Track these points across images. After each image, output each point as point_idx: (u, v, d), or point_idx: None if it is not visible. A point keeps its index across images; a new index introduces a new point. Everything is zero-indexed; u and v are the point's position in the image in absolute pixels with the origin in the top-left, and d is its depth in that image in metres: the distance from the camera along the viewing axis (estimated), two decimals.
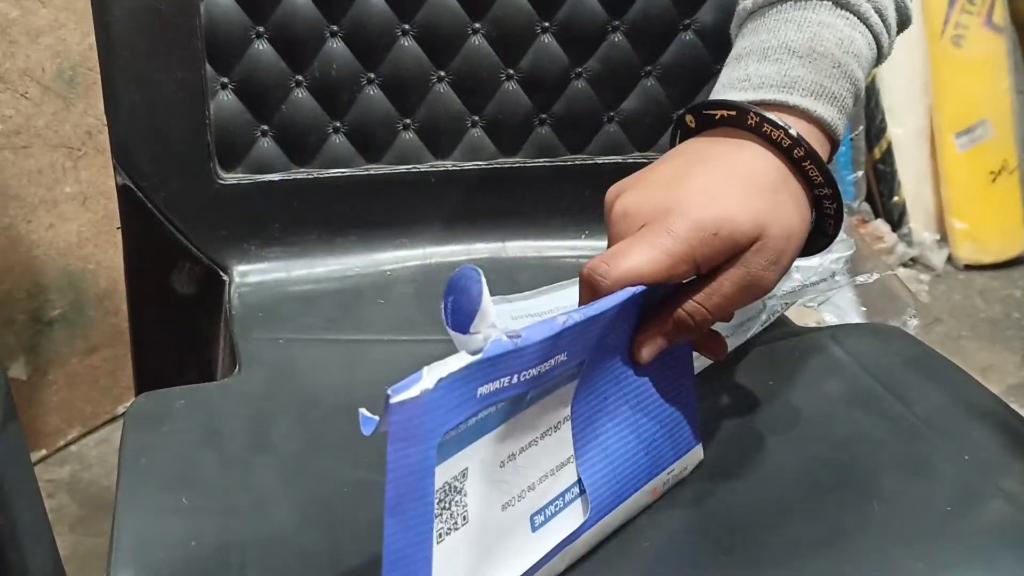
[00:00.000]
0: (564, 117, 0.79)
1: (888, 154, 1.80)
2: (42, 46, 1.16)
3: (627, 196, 0.52)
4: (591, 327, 0.46)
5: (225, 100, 0.73)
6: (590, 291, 0.48)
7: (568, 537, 0.48)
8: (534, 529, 0.47)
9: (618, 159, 0.80)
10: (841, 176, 1.78)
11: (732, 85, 0.55)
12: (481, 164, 0.79)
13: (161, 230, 0.74)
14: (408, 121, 0.77)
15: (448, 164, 0.79)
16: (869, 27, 0.55)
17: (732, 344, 0.67)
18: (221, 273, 0.76)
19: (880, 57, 0.57)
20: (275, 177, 0.76)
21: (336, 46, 0.74)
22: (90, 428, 1.35)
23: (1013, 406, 0.63)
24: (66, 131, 1.21)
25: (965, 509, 0.54)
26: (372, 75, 0.75)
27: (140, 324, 0.83)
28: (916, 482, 0.56)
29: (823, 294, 0.70)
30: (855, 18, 0.54)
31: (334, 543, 0.52)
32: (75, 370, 1.31)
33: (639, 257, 0.48)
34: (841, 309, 1.06)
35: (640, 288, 0.48)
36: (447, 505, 0.42)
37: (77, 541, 1.18)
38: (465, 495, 0.43)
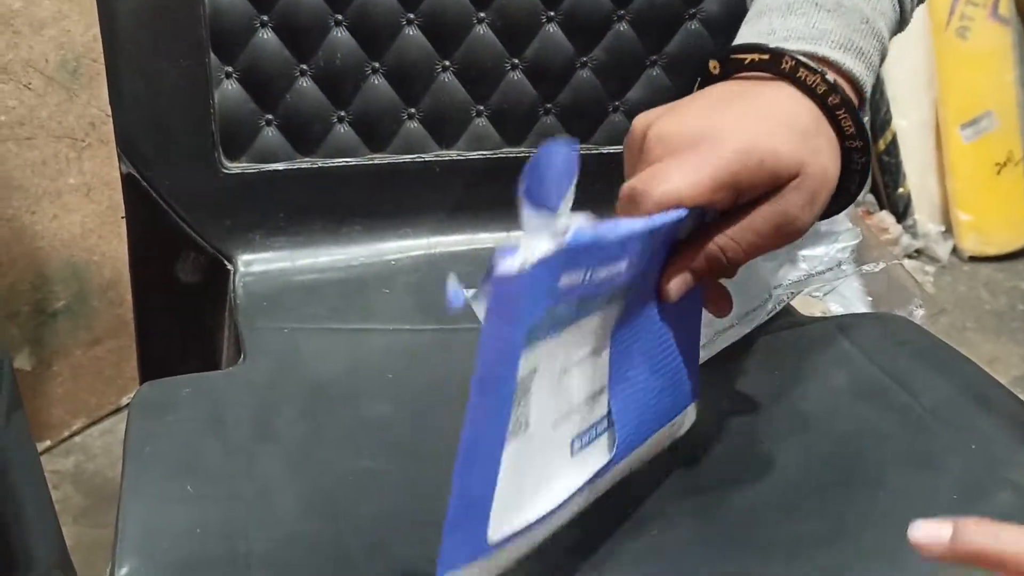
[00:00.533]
0: (569, 107, 0.78)
1: (893, 145, 1.79)
2: (46, 37, 1.16)
3: (663, 122, 0.49)
4: (645, 243, 0.44)
5: (229, 89, 0.73)
6: (630, 209, 0.47)
7: (599, 471, 0.46)
8: (573, 454, 0.46)
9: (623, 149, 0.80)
10: None
11: (757, 37, 0.53)
12: (486, 154, 0.79)
13: (166, 219, 0.74)
14: (413, 111, 0.77)
15: (453, 154, 0.78)
16: None
17: (738, 333, 0.67)
18: (225, 262, 0.76)
19: (902, 23, 0.55)
20: (279, 166, 0.75)
21: (341, 35, 0.73)
22: (94, 419, 1.35)
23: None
24: (70, 122, 1.21)
25: (972, 500, 0.53)
26: (377, 64, 0.75)
27: (144, 313, 0.83)
28: (923, 473, 0.56)
29: (829, 284, 0.70)
30: None
31: (338, 531, 0.52)
32: (79, 361, 1.31)
33: (682, 178, 0.46)
34: (847, 299, 1.06)
35: (684, 211, 0.46)
36: (519, 402, 0.41)
37: (81, 532, 1.18)
38: (531, 397, 0.41)
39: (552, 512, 0.44)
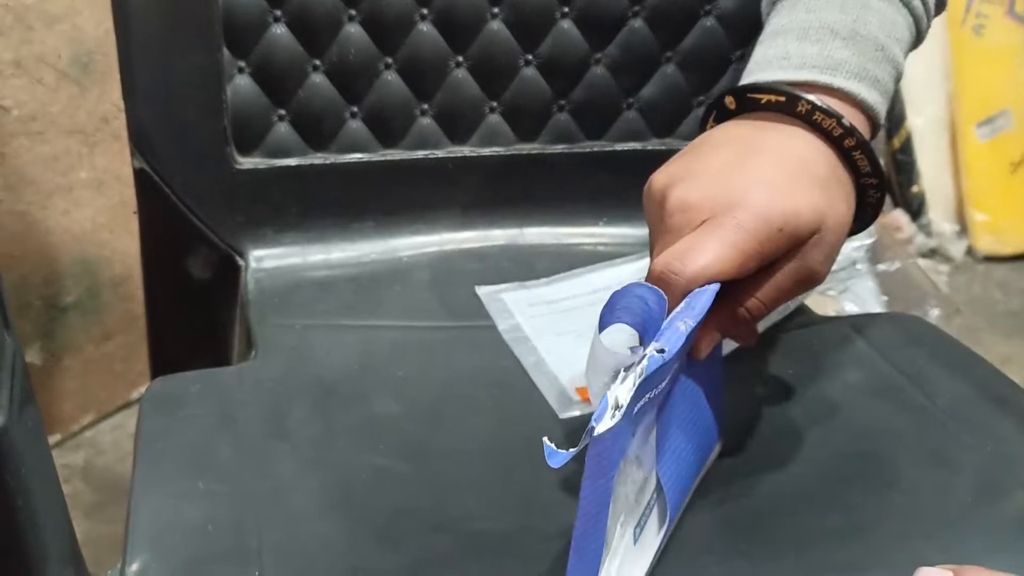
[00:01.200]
0: (583, 103, 0.78)
1: (907, 144, 1.78)
2: (58, 32, 1.16)
3: (684, 188, 0.50)
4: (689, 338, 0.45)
5: (242, 84, 0.73)
6: (662, 289, 0.46)
7: (659, 545, 0.48)
8: (635, 542, 0.47)
9: (637, 146, 0.80)
10: None
11: (770, 63, 0.53)
12: (499, 150, 0.78)
13: (177, 214, 0.74)
14: (426, 106, 0.77)
15: (466, 150, 0.78)
16: (911, 10, 0.54)
17: None
18: (237, 258, 0.76)
19: (918, 40, 0.56)
20: (292, 162, 0.75)
21: (354, 30, 0.73)
22: (104, 414, 1.36)
23: None
24: (81, 117, 1.21)
25: (987, 500, 0.53)
26: (390, 60, 0.75)
27: (156, 309, 0.83)
28: (938, 473, 0.55)
29: (844, 283, 0.70)
30: (898, 0, 0.53)
31: (350, 528, 0.51)
32: (90, 356, 1.32)
33: (711, 254, 0.47)
34: (862, 299, 1.06)
35: (717, 286, 0.47)
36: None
37: (91, 527, 1.18)
38: (610, 519, 0.43)
39: None
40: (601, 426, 0.37)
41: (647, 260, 0.77)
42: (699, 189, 0.49)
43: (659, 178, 0.51)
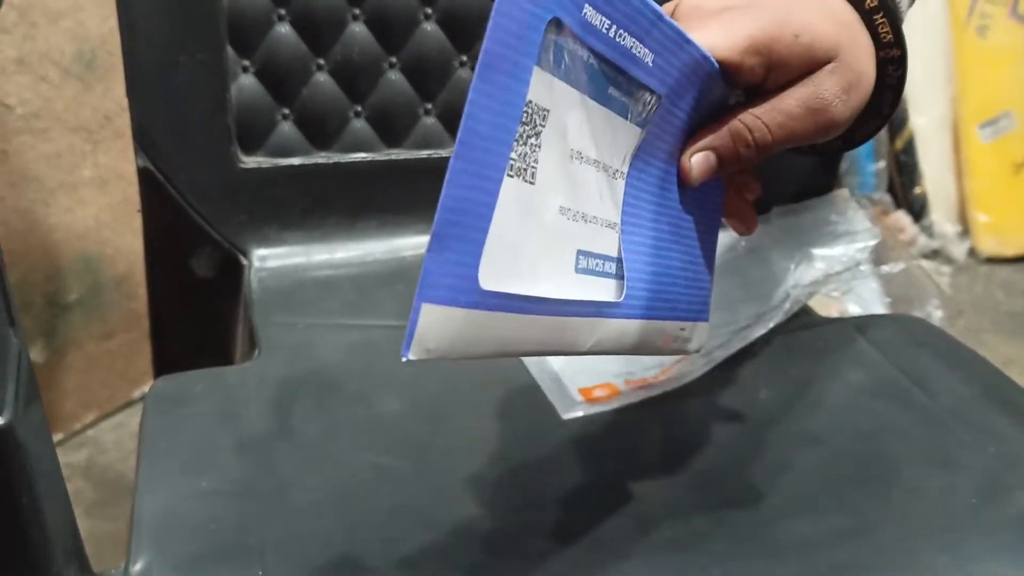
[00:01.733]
0: None
1: (910, 144, 1.78)
2: (61, 29, 1.16)
3: None
4: (672, 60, 0.42)
5: (246, 83, 0.73)
6: None
7: (602, 305, 0.42)
8: (576, 269, 0.41)
9: None
10: (862, 166, 1.77)
11: None
12: None
13: (181, 213, 0.74)
14: (429, 106, 0.77)
15: None
16: None
17: (755, 333, 0.66)
18: (240, 257, 0.76)
19: None
20: (295, 161, 0.75)
21: (358, 30, 0.73)
22: (106, 412, 1.36)
23: None
24: (85, 115, 1.21)
25: (990, 501, 0.53)
26: (394, 59, 0.75)
27: (159, 308, 0.83)
28: (941, 474, 0.55)
29: (847, 284, 0.70)
30: None
31: (352, 527, 0.52)
32: (92, 354, 1.32)
33: (716, 32, 0.44)
34: (865, 300, 1.06)
35: (716, 66, 0.43)
36: (525, 136, 0.36)
37: (94, 525, 1.18)
38: (539, 147, 0.37)
39: (547, 305, 0.39)
40: None
41: None
42: None
43: None
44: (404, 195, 0.78)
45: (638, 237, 0.45)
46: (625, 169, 0.44)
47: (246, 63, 0.73)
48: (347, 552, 0.50)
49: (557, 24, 0.36)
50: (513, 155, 0.36)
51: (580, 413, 0.61)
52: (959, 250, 1.79)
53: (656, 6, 0.41)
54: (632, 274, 0.44)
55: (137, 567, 0.48)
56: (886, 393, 0.62)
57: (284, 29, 0.72)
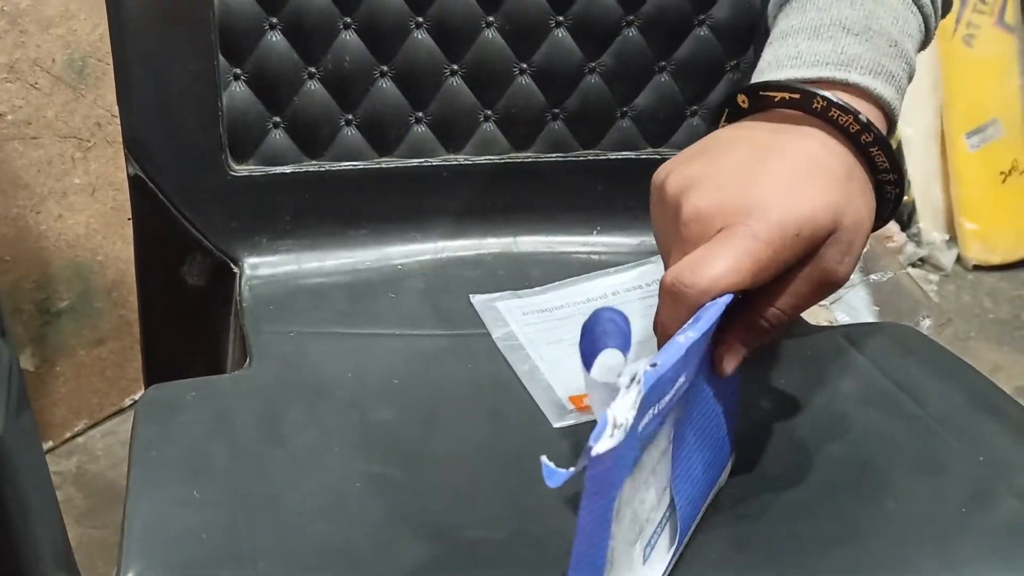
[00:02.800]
0: (577, 112, 0.78)
1: (898, 153, 1.79)
2: (53, 36, 1.16)
3: (698, 195, 0.48)
4: (699, 344, 0.44)
5: (238, 91, 0.73)
6: (673, 301, 0.46)
7: (668, 564, 0.47)
8: (645, 561, 0.46)
9: (631, 155, 0.80)
10: None
11: (782, 63, 0.52)
12: (493, 159, 0.79)
13: (172, 221, 0.74)
14: (421, 115, 0.77)
15: (460, 158, 0.78)
16: (920, 7, 0.53)
17: None
18: (232, 265, 0.76)
19: (927, 40, 0.55)
20: (287, 169, 0.75)
21: (350, 38, 0.73)
22: (97, 420, 1.35)
23: None
24: (76, 122, 1.21)
25: (980, 508, 0.54)
26: (385, 68, 0.75)
27: (150, 315, 0.83)
28: (930, 481, 0.56)
29: (836, 293, 0.70)
30: None
31: (345, 535, 0.52)
32: (82, 362, 1.31)
33: (723, 264, 0.46)
34: (854, 308, 1.06)
35: (729, 297, 0.46)
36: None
37: (83, 533, 1.18)
38: (613, 538, 0.41)
39: None
40: (599, 446, 0.36)
41: (641, 268, 0.78)
42: (713, 197, 0.48)
43: (672, 181, 0.50)
44: (395, 204, 0.78)
45: (683, 466, 0.48)
46: (671, 436, 0.47)
47: (237, 71, 0.73)
48: (339, 560, 0.50)
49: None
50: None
51: (571, 421, 0.62)
52: (947, 258, 1.79)
53: (682, 349, 0.42)
54: (683, 512, 0.48)
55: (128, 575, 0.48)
56: (875, 401, 0.62)
57: (275, 37, 0.72)
